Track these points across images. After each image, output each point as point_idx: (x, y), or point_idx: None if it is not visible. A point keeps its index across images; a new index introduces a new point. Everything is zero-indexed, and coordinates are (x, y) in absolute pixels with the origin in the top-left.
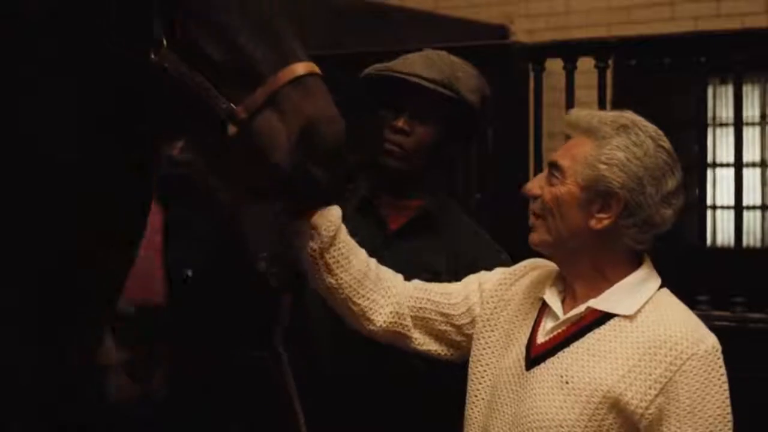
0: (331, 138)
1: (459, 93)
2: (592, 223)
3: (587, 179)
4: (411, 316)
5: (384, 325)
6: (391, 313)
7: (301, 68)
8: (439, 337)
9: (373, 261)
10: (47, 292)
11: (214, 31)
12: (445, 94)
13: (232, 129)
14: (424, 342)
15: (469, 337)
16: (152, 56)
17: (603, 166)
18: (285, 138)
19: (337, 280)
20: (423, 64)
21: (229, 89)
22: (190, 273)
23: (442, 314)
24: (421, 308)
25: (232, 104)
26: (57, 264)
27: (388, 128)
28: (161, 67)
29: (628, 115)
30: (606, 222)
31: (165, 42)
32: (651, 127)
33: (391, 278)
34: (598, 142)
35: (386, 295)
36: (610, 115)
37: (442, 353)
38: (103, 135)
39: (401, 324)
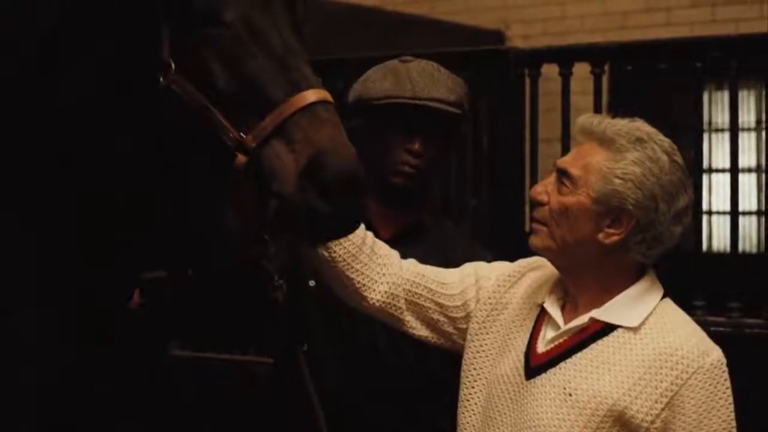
0: (338, 170)
1: (465, 110)
2: (601, 236)
3: (600, 192)
4: (405, 299)
5: (377, 304)
6: (385, 292)
7: (312, 95)
8: (431, 324)
9: (369, 235)
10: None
11: (225, 55)
12: (459, 114)
13: (240, 158)
14: (415, 327)
15: (462, 332)
16: (161, 79)
17: (618, 181)
18: (293, 168)
19: (330, 253)
20: (432, 84)
21: (237, 116)
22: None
23: (437, 303)
24: (416, 293)
25: (241, 132)
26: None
27: (403, 150)
28: (169, 90)
29: (643, 127)
30: (615, 238)
31: (173, 65)
32: (666, 141)
33: (387, 254)
34: (612, 154)
35: (381, 272)
36: (624, 125)
37: (433, 340)
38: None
39: (394, 305)
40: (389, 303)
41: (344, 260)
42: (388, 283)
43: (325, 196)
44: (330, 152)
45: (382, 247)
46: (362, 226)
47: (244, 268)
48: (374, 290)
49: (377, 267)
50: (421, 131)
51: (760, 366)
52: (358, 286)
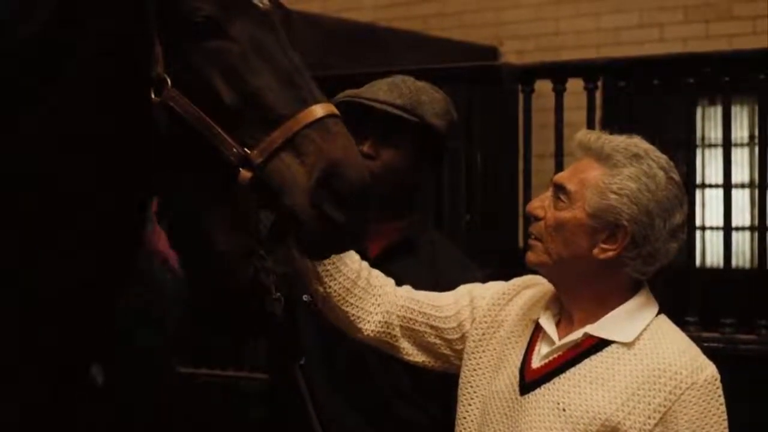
0: (355, 181)
1: (422, 117)
2: (596, 252)
3: (596, 207)
4: (400, 326)
5: (372, 334)
6: (379, 322)
7: (320, 110)
8: (427, 348)
9: (364, 265)
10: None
11: (229, 70)
12: (408, 118)
13: (244, 174)
14: (411, 353)
15: (458, 352)
16: (152, 95)
17: (614, 196)
18: (305, 180)
19: (325, 288)
20: (386, 90)
21: (241, 131)
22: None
23: (432, 327)
24: (411, 319)
25: (245, 149)
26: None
27: None
28: (166, 107)
29: (641, 143)
30: (610, 253)
31: (170, 81)
32: (663, 158)
33: (382, 284)
34: (609, 170)
35: (376, 303)
36: (621, 141)
37: (430, 365)
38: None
39: (389, 333)
40: (384, 332)
41: (339, 295)
42: (382, 312)
43: (340, 207)
44: (344, 163)
45: (378, 277)
46: (358, 258)
47: (240, 285)
48: (369, 321)
49: (372, 298)
50: (368, 133)
51: (753, 382)
52: (352, 318)
